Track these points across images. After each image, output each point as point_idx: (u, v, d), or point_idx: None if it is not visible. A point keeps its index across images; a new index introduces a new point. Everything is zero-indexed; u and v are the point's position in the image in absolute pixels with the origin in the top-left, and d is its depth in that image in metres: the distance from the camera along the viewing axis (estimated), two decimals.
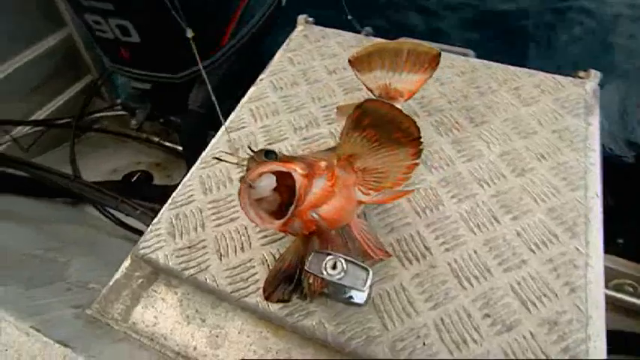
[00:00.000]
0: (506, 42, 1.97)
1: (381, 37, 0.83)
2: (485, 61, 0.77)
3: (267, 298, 0.48)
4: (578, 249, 0.51)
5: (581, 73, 0.73)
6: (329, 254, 0.44)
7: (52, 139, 1.40)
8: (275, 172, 0.40)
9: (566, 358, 0.43)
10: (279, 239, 0.54)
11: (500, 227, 0.54)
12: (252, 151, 0.45)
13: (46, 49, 1.39)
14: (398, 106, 0.59)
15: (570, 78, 0.72)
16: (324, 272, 0.43)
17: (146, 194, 1.31)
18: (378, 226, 0.55)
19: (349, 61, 0.65)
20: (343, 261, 0.43)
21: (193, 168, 0.64)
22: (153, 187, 1.37)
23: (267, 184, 0.39)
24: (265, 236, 0.54)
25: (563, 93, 0.70)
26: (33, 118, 1.38)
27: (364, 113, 0.43)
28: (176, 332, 0.50)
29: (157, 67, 1.20)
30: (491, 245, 0.52)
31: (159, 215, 0.58)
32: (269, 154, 0.43)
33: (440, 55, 0.61)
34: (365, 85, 0.64)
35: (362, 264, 0.43)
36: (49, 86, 1.43)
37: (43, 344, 0.43)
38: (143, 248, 0.55)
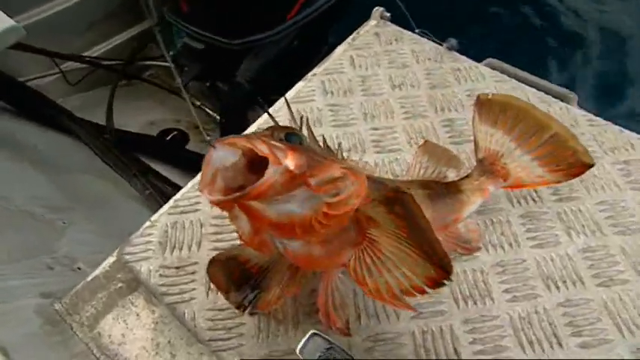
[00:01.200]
0: None
1: (463, 54, 0.69)
2: (592, 116, 0.61)
3: (209, 275, 0.43)
4: None
5: None
6: (331, 343, 0.34)
7: (100, 78, 1.37)
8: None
9: None
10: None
11: (562, 353, 0.41)
12: (277, 124, 0.35)
13: None
14: (490, 187, 0.47)
15: None
16: None
17: (176, 157, 1.27)
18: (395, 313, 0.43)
19: (478, 98, 0.50)
20: (345, 356, 0.33)
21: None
22: (185, 151, 1.32)
23: (225, 156, 0.28)
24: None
25: None
26: (87, 54, 1.36)
27: (398, 202, 0.31)
28: None
29: (214, 29, 1.12)
30: None
31: (155, 216, 0.50)
32: (291, 139, 0.32)
33: (592, 167, 0.45)
34: (474, 136, 0.50)
35: None
36: (107, 25, 1.39)
37: None
38: (128, 253, 0.48)
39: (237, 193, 0.26)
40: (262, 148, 0.27)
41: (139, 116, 1.44)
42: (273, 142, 0.28)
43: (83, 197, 0.82)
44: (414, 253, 0.31)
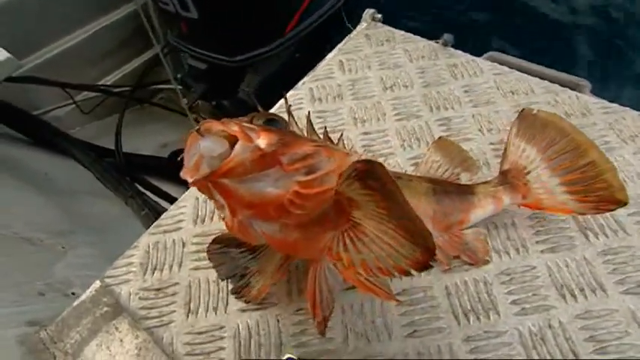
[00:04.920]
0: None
1: (462, 49, 0.65)
2: (607, 103, 0.55)
3: (207, 249, 0.43)
4: None
5: None
6: None
7: (113, 105, 1.42)
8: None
9: None
10: (262, 309, 0.42)
11: None
12: (257, 111, 0.35)
13: (119, 18, 1.40)
14: (506, 200, 0.43)
15: None
16: None
17: None
18: (398, 324, 0.39)
19: (522, 111, 0.46)
20: None
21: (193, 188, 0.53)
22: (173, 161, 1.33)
23: (212, 146, 0.27)
24: (247, 300, 0.42)
25: None
26: (100, 83, 1.41)
27: (370, 174, 0.28)
28: None
29: (213, 47, 1.13)
30: None
31: (139, 239, 0.49)
32: (272, 123, 0.33)
33: (624, 205, 0.39)
34: (505, 146, 0.46)
35: None
36: (118, 54, 1.45)
37: None
38: (110, 277, 0.46)
39: (208, 171, 0.27)
40: (234, 129, 0.27)
41: (151, 139, 1.47)
42: (245, 124, 0.29)
43: (86, 220, 0.83)
44: (398, 233, 0.28)
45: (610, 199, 0.39)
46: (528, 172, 0.43)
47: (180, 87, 1.40)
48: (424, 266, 0.27)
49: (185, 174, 0.28)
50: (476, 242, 0.43)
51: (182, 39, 1.19)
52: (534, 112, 0.45)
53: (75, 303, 0.48)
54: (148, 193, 0.85)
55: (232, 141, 0.27)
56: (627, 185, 0.46)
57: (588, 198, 0.40)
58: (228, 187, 0.28)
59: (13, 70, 0.68)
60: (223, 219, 0.34)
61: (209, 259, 0.43)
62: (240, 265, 0.42)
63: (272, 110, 0.61)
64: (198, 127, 0.28)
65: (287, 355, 0.32)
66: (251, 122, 0.31)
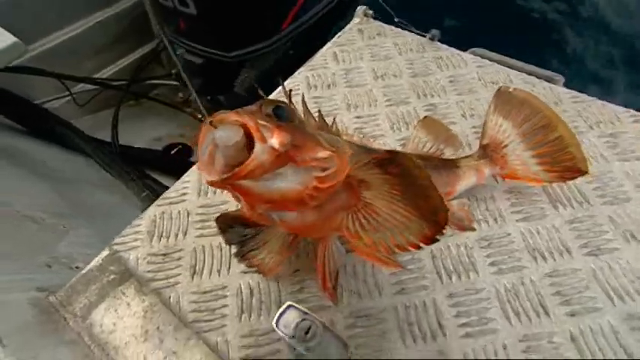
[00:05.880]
0: None
1: (448, 44, 0.70)
2: (576, 93, 0.60)
3: (216, 219, 0.45)
4: None
5: None
6: (305, 315, 0.34)
7: (108, 99, 1.43)
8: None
9: None
10: None
11: (549, 323, 0.40)
12: (263, 98, 0.35)
13: (117, 12, 1.42)
14: (486, 170, 0.48)
15: None
16: (295, 334, 0.34)
17: (180, 169, 1.30)
18: (387, 282, 0.43)
19: (499, 89, 0.51)
20: (320, 327, 0.33)
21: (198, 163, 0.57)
22: (189, 163, 1.35)
23: (228, 135, 0.28)
24: (250, 265, 0.46)
25: None
26: (96, 76, 1.42)
27: (393, 162, 0.32)
28: (129, 347, 0.44)
29: (211, 43, 1.16)
30: (529, 344, 0.39)
31: (146, 211, 0.52)
32: (279, 112, 0.32)
33: (584, 174, 0.45)
34: (484, 122, 0.51)
35: (340, 337, 0.33)
36: (115, 48, 1.47)
37: None
38: (118, 244, 0.49)
39: (225, 175, 0.27)
40: (251, 124, 0.28)
41: (146, 133, 1.49)
42: (260, 121, 0.29)
43: (84, 206, 0.84)
44: (408, 211, 0.31)
45: (574, 169, 0.44)
46: (505, 146, 0.47)
47: (176, 82, 1.43)
48: (432, 240, 0.31)
49: (202, 169, 0.28)
50: (461, 212, 0.47)
51: (179, 34, 1.22)
52: (510, 90, 0.50)
53: (82, 271, 0.51)
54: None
55: (246, 130, 0.28)
56: (592, 163, 0.51)
57: (555, 168, 0.45)
58: (247, 188, 0.29)
59: (20, 55, 0.71)
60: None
61: (218, 227, 0.45)
62: (247, 234, 0.45)
63: (270, 97, 0.65)
64: (211, 118, 0.28)
65: (287, 303, 0.36)
66: (260, 109, 0.32)
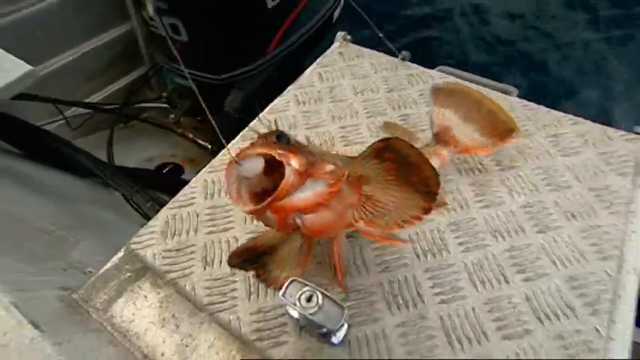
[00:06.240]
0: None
1: (418, 63, 0.80)
2: (527, 102, 0.71)
3: (229, 262, 0.50)
4: (597, 329, 0.44)
5: (638, 128, 0.65)
6: (306, 285, 0.41)
7: (99, 122, 1.49)
8: (269, 158, 0.38)
9: None
10: None
11: (508, 287, 0.48)
12: (268, 131, 0.42)
13: (109, 40, 1.49)
14: (445, 152, 0.57)
15: (622, 132, 0.64)
16: (298, 303, 0.40)
17: (172, 186, 1.35)
18: (373, 263, 0.51)
19: (433, 87, 0.63)
20: (320, 295, 0.40)
21: (202, 171, 0.64)
22: (180, 180, 1.41)
23: (252, 166, 0.36)
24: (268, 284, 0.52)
25: (610, 147, 0.62)
26: (87, 100, 1.48)
27: (387, 148, 0.40)
28: (149, 333, 0.49)
29: (201, 67, 1.25)
30: (493, 305, 0.46)
31: (157, 215, 0.58)
32: (281, 137, 0.41)
33: (515, 133, 0.57)
34: (430, 117, 0.61)
35: (339, 302, 0.40)
36: (107, 73, 1.53)
37: (17, 322, 0.43)
38: (135, 243, 0.55)
39: (269, 199, 0.35)
40: (274, 154, 0.36)
41: (137, 154, 1.54)
42: (278, 150, 0.37)
43: (86, 220, 0.89)
44: (403, 191, 0.39)
45: (508, 130, 0.57)
46: (452, 129, 0.58)
47: (166, 105, 1.50)
48: (429, 209, 0.38)
49: (235, 203, 0.37)
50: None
51: (170, 59, 1.30)
52: (441, 85, 0.62)
53: (101, 271, 0.56)
54: None
55: (266, 158, 0.36)
56: (539, 159, 0.61)
57: (494, 134, 0.57)
58: (281, 205, 0.37)
59: (32, 81, 0.77)
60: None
61: (233, 266, 0.50)
62: (263, 260, 0.49)
63: (260, 115, 0.73)
64: (234, 157, 0.36)
65: (291, 278, 0.43)
66: (267, 139, 0.40)
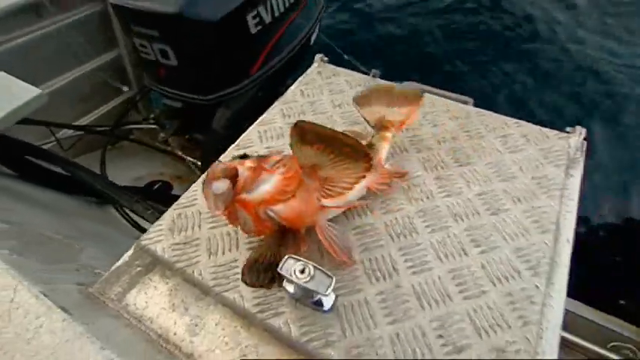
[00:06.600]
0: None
1: (388, 80, 0.92)
2: (480, 109, 0.83)
3: (245, 282, 0.55)
4: (537, 286, 0.54)
5: (569, 129, 0.77)
6: (299, 260, 0.50)
7: (89, 143, 1.55)
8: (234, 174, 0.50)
9: None
10: None
11: (467, 259, 0.58)
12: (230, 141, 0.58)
13: (98, 65, 1.57)
14: (388, 134, 0.69)
15: (557, 131, 0.77)
16: (293, 275, 0.49)
17: (163, 202, 1.41)
18: (354, 244, 0.60)
19: (353, 98, 0.75)
20: (312, 267, 0.49)
21: (200, 178, 0.72)
22: (170, 196, 1.47)
23: (220, 185, 0.48)
24: (251, 241, 0.61)
25: (547, 144, 0.74)
26: (77, 123, 1.54)
27: (303, 130, 0.51)
28: (161, 317, 0.56)
29: (190, 89, 1.34)
30: (455, 274, 0.56)
31: (163, 215, 0.66)
32: (244, 156, 0.55)
33: (423, 95, 0.72)
34: (364, 118, 0.73)
35: (327, 272, 0.49)
36: (95, 97, 1.60)
37: (48, 308, 0.50)
38: (145, 240, 0.62)
39: (232, 192, 0.48)
40: (232, 164, 0.50)
41: (127, 173, 1.59)
42: (235, 163, 0.51)
43: (85, 232, 0.95)
44: (345, 163, 0.52)
45: (416, 96, 0.73)
46: (383, 116, 0.71)
47: (154, 125, 1.57)
48: (370, 166, 0.51)
49: (213, 213, 0.53)
50: (394, 167, 0.69)
51: (159, 82, 1.39)
52: (360, 93, 0.75)
53: (113, 267, 0.63)
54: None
55: (231, 178, 0.48)
56: (491, 155, 0.72)
57: (406, 104, 0.72)
58: (245, 200, 0.50)
59: (40, 104, 0.83)
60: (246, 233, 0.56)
61: (248, 283, 0.55)
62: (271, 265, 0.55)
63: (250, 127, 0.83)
64: (205, 178, 0.49)
65: (287, 255, 0.51)
66: (238, 157, 0.54)
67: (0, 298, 0.50)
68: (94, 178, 0.99)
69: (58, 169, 1.13)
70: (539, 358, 0.48)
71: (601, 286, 1.20)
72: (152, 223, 0.69)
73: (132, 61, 1.64)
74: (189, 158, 1.54)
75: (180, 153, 1.56)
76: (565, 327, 0.54)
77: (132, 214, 1.14)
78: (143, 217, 0.93)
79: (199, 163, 1.50)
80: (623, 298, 1.12)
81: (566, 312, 0.55)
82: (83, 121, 1.59)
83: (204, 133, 1.43)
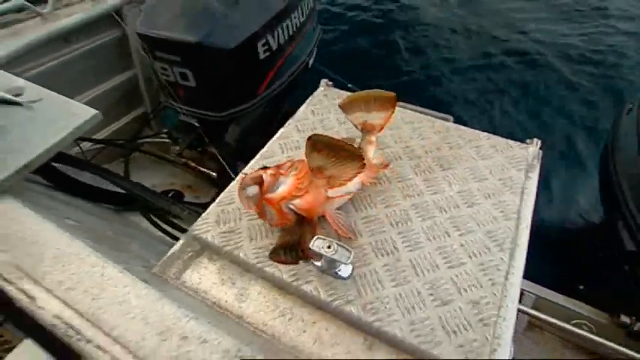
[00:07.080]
0: None
1: None
2: (459, 125, 1.02)
3: (274, 260, 0.72)
4: (502, 259, 0.72)
5: (528, 140, 0.97)
6: (325, 239, 0.66)
7: (107, 155, 1.68)
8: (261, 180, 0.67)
9: (481, 325, 0.63)
10: None
11: (450, 240, 0.75)
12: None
13: (115, 85, 1.72)
14: (372, 138, 0.87)
15: (518, 142, 0.96)
16: (322, 249, 0.65)
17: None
18: (364, 230, 0.77)
19: (339, 106, 0.92)
20: (335, 244, 0.66)
21: (236, 179, 0.88)
22: (184, 202, 1.61)
23: (251, 190, 0.67)
24: (283, 229, 0.77)
25: (511, 153, 0.94)
26: (95, 137, 1.68)
27: (315, 141, 0.70)
28: (213, 289, 0.72)
29: (206, 106, 1.50)
30: (441, 250, 0.73)
31: (207, 210, 0.82)
32: (264, 168, 0.71)
33: (396, 98, 0.89)
34: (352, 123, 0.91)
35: (347, 247, 0.65)
36: (111, 113, 1.75)
37: (132, 279, 0.65)
38: (196, 230, 0.78)
39: (261, 194, 0.67)
40: (258, 174, 0.68)
41: (142, 181, 1.72)
42: (259, 172, 0.69)
43: (124, 234, 1.09)
44: (344, 164, 0.70)
45: (391, 99, 0.88)
46: (367, 120, 0.88)
47: (167, 140, 1.72)
48: (363, 165, 0.69)
49: (247, 209, 0.69)
50: (380, 159, 0.87)
51: (176, 101, 1.55)
52: (344, 101, 0.91)
53: (168, 253, 0.78)
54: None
55: (258, 183, 0.67)
56: (467, 162, 0.91)
57: (388, 106, 0.88)
58: (271, 198, 0.67)
59: (96, 122, 0.98)
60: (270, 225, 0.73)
61: (283, 262, 0.71)
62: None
63: (270, 141, 1.00)
64: (239, 186, 0.68)
65: (317, 236, 0.67)
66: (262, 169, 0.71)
67: (93, 272, 0.65)
68: (127, 183, 1.13)
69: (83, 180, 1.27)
70: (503, 306, 0.66)
71: (565, 274, 1.40)
72: (190, 222, 0.85)
73: (146, 80, 1.80)
74: (202, 169, 1.69)
75: (193, 164, 1.70)
76: (537, 308, 0.72)
77: (154, 218, 1.29)
78: (178, 217, 1.07)
79: (212, 173, 1.65)
80: (581, 284, 1.31)
81: (537, 296, 0.73)
82: (100, 135, 1.73)
83: (218, 146, 1.59)
